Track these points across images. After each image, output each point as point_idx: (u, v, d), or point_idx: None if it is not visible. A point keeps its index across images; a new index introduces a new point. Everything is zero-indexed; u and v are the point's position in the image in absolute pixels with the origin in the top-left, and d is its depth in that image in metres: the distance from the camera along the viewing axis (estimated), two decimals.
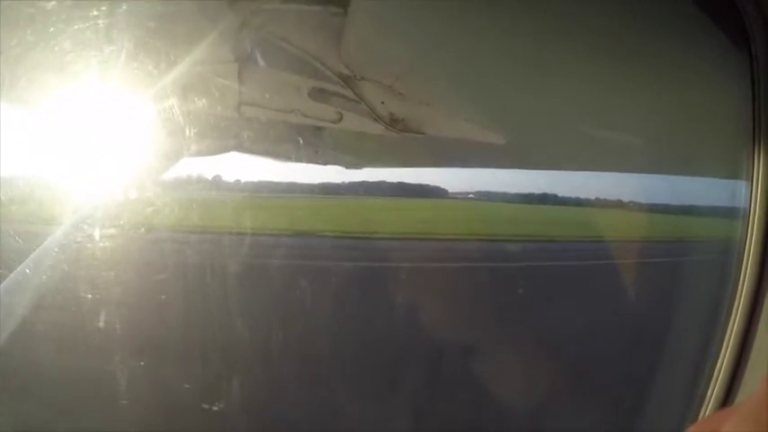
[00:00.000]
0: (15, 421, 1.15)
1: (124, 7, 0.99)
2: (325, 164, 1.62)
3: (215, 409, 1.33)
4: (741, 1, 0.77)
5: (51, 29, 0.97)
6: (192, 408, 1.35)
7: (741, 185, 0.86)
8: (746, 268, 0.82)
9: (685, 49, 0.93)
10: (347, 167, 1.72)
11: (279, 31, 1.10)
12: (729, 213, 0.93)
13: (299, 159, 1.56)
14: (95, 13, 0.97)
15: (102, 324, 1.31)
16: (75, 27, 0.97)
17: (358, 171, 1.85)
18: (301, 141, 1.30)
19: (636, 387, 1.19)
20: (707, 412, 0.85)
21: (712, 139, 1.09)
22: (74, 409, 1.27)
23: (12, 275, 1.24)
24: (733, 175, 0.90)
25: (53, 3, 0.99)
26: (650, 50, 0.93)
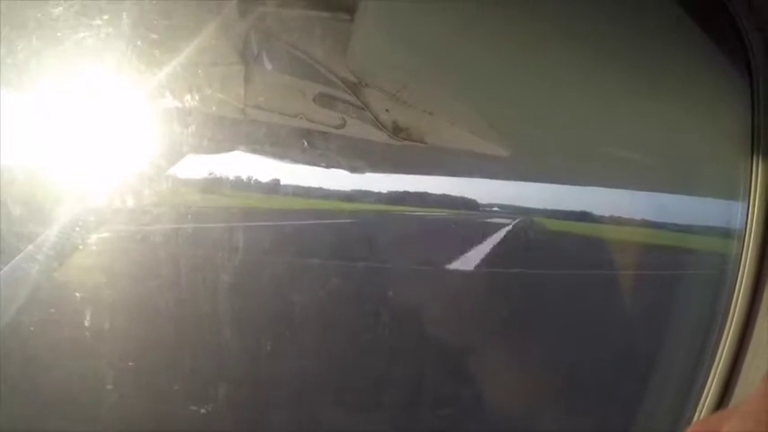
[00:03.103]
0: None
1: (133, 7, 1.00)
2: (329, 167, 1.63)
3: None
4: (741, 21, 0.76)
5: (62, 33, 0.99)
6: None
7: (738, 204, 0.86)
8: (743, 276, 0.82)
9: (686, 69, 0.92)
10: (351, 172, 1.73)
11: (286, 35, 1.10)
12: (726, 229, 0.93)
13: (303, 162, 1.57)
14: (104, 14, 0.98)
15: (102, 318, 1.32)
16: (82, 32, 0.99)
17: (362, 176, 1.86)
18: (306, 144, 1.30)
19: (635, 388, 1.19)
20: (704, 413, 0.85)
21: (711, 158, 1.09)
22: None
23: (8, 266, 1.24)
24: (730, 194, 0.90)
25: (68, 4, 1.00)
26: (651, 69, 0.93)
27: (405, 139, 1.18)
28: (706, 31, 0.82)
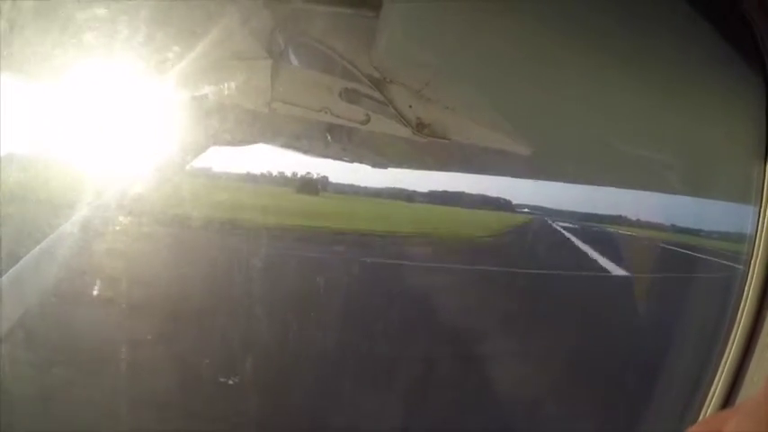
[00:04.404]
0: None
1: (162, 3, 1.02)
2: (352, 162, 1.65)
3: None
4: (754, 21, 0.76)
5: (91, 28, 1.01)
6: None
7: (749, 208, 0.85)
8: (752, 280, 0.82)
9: (702, 71, 0.92)
10: (374, 167, 1.75)
11: (312, 31, 1.11)
12: (737, 233, 0.93)
13: (326, 156, 1.59)
14: (136, 10, 1.00)
15: (124, 305, 1.35)
16: (112, 26, 1.01)
17: (384, 171, 1.87)
18: (329, 138, 1.32)
19: (639, 388, 1.19)
20: (708, 412, 0.85)
21: (724, 163, 1.08)
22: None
23: (31, 254, 1.27)
24: (742, 198, 0.89)
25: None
26: (667, 72, 0.93)
27: (428, 135, 1.18)
28: (720, 32, 0.81)
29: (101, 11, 1.03)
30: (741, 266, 0.85)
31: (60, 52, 1.08)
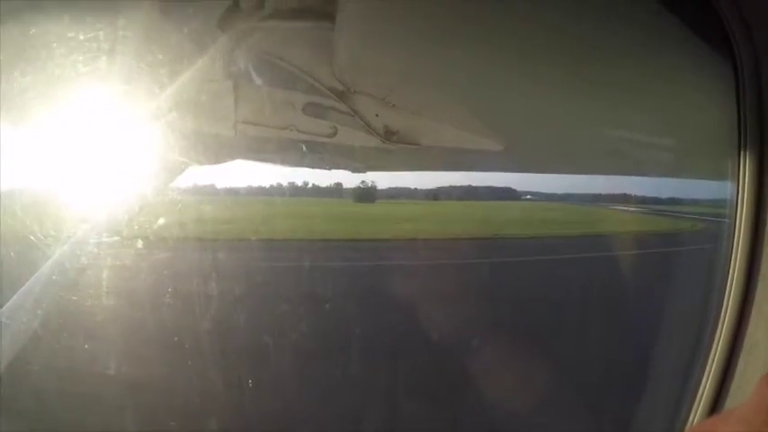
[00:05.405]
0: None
1: (121, 34, 1.01)
2: (330, 169, 1.64)
3: None
4: (722, 9, 0.76)
5: (65, 69, 1.01)
6: None
7: (727, 185, 0.85)
8: (734, 269, 0.82)
9: (671, 58, 0.92)
10: (353, 172, 1.74)
11: (271, 48, 1.10)
12: (716, 213, 0.93)
13: (304, 165, 1.58)
14: (95, 45, 0.99)
15: (113, 331, 1.34)
16: (83, 69, 1.00)
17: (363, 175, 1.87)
18: (305, 149, 1.31)
19: (627, 390, 1.19)
20: (699, 411, 0.86)
21: (700, 143, 1.09)
22: None
23: (24, 287, 1.27)
24: (720, 175, 0.89)
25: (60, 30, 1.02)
26: (637, 61, 0.93)
27: (397, 142, 1.18)
28: (690, 24, 0.81)
29: (76, 59, 1.02)
30: (722, 260, 0.85)
31: (34, 93, 1.07)
